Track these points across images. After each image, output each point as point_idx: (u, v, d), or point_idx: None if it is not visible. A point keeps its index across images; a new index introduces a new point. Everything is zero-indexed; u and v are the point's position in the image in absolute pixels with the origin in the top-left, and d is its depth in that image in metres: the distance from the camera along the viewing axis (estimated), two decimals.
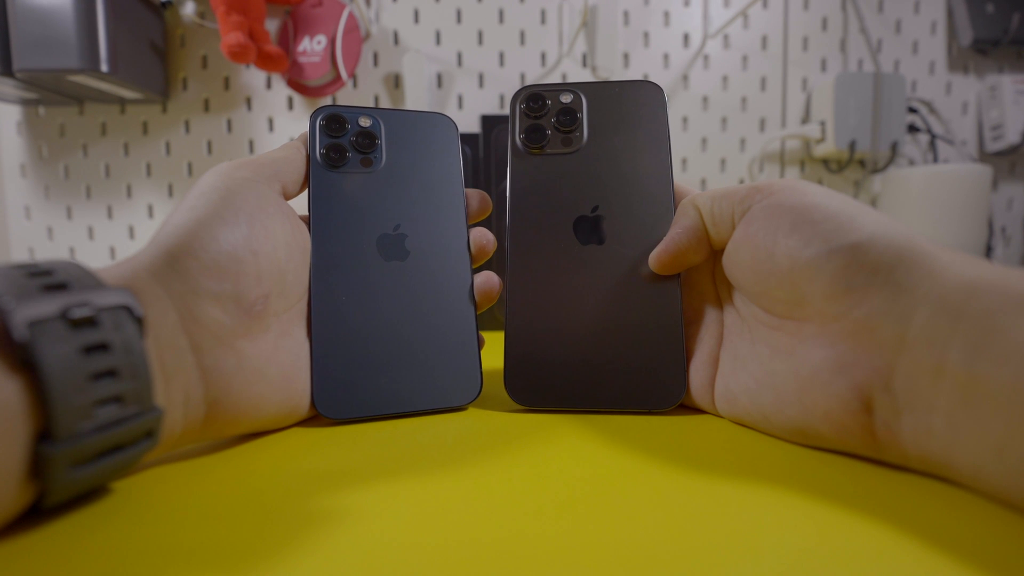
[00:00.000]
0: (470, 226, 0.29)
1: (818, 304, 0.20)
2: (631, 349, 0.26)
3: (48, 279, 0.15)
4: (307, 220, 0.26)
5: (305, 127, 0.74)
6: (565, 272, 0.26)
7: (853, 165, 0.76)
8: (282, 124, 0.75)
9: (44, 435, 0.14)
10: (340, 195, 0.26)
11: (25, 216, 0.74)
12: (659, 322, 0.26)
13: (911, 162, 0.77)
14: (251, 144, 0.74)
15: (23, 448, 0.14)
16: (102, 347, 0.15)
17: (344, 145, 0.27)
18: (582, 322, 0.26)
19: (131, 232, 0.74)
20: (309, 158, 0.27)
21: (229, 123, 0.74)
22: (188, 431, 0.20)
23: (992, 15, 0.73)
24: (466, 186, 0.30)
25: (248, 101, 0.74)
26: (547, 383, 0.26)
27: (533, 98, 0.28)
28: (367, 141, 0.27)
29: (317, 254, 0.25)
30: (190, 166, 0.74)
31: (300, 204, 0.26)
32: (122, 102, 0.72)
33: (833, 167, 0.76)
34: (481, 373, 0.27)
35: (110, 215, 0.74)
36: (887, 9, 0.77)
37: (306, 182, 0.26)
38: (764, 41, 0.76)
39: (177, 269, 0.19)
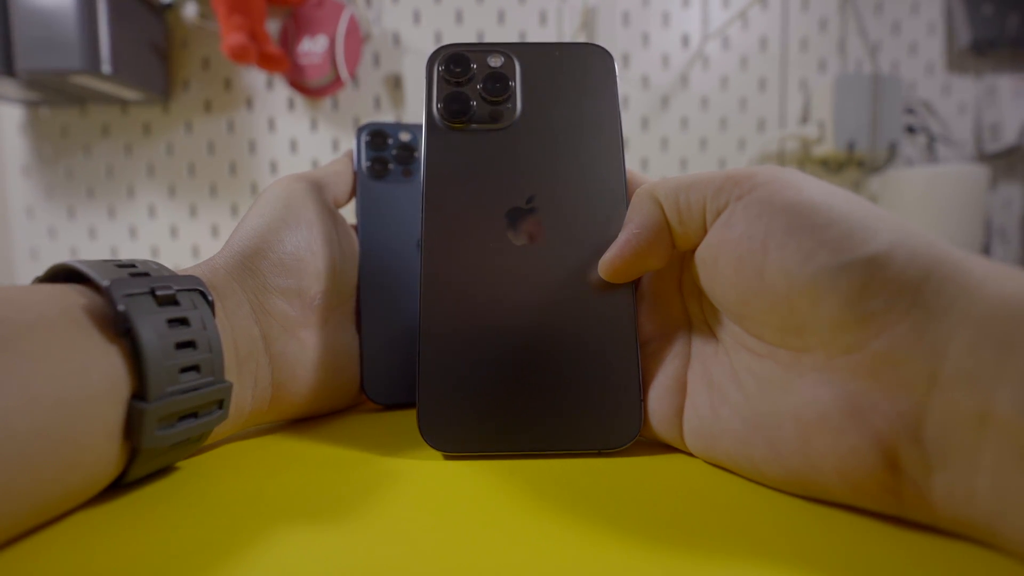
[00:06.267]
0: None
1: (823, 334, 0.16)
2: (574, 375, 0.21)
3: (133, 269, 0.18)
4: (356, 226, 0.29)
5: (305, 128, 0.75)
6: (493, 279, 0.22)
7: (852, 165, 0.77)
8: (283, 124, 0.75)
9: (136, 396, 0.16)
10: (383, 202, 0.29)
11: (27, 216, 0.74)
12: (609, 341, 0.21)
13: (909, 162, 0.78)
14: (252, 144, 0.75)
15: (121, 410, 0.16)
16: (183, 321, 0.17)
17: (386, 157, 0.30)
18: (514, 343, 0.21)
19: (132, 232, 0.75)
20: (356, 171, 0.30)
21: (230, 123, 0.75)
22: (256, 412, 0.22)
23: (990, 16, 0.73)
24: None
25: (249, 102, 0.74)
26: (471, 423, 0.21)
27: (455, 59, 0.23)
28: (407, 153, 0.30)
29: (364, 256, 0.28)
30: (191, 166, 0.74)
31: (349, 212, 0.30)
32: (123, 103, 0.73)
33: (832, 167, 0.77)
34: None
35: (111, 215, 0.74)
36: (886, 10, 0.77)
37: (354, 192, 0.29)
38: (763, 42, 0.77)
39: (249, 268, 0.22)
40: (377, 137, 0.30)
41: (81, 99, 0.71)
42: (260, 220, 0.24)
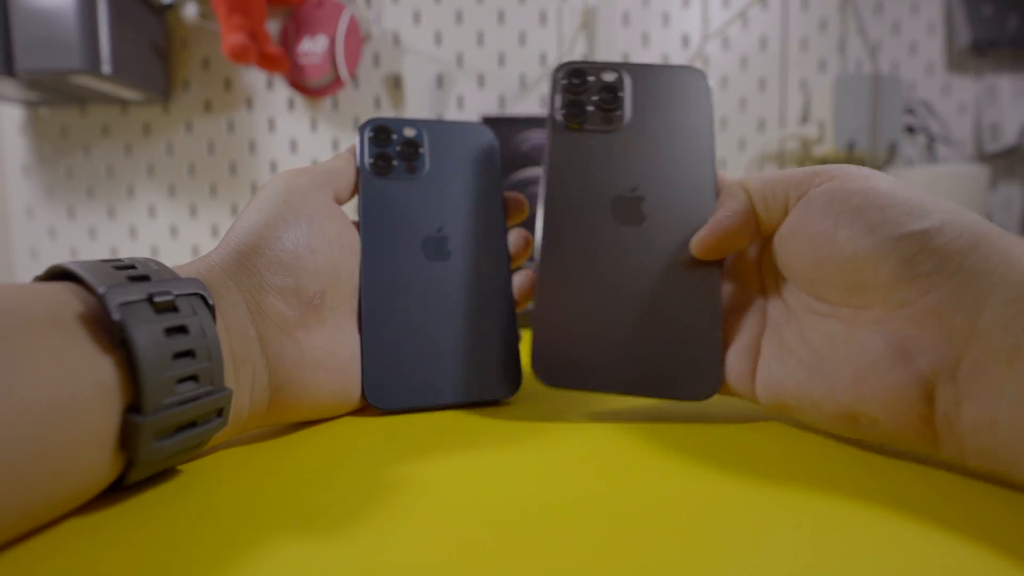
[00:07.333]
0: (508, 228, 0.30)
1: (881, 291, 0.19)
2: (665, 335, 0.25)
3: (132, 271, 0.17)
4: (357, 224, 0.28)
5: (305, 128, 0.75)
6: (600, 253, 0.26)
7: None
8: (283, 124, 0.75)
9: (132, 408, 0.15)
10: (387, 201, 0.28)
11: (27, 216, 0.74)
12: (696, 309, 0.25)
13: (909, 163, 0.78)
14: (252, 144, 0.75)
15: (116, 420, 0.15)
16: (181, 329, 0.17)
17: (390, 154, 0.29)
18: (615, 305, 0.25)
19: (132, 232, 0.75)
20: (358, 167, 0.29)
21: (230, 123, 0.75)
22: (254, 415, 0.21)
23: (990, 17, 0.73)
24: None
25: (249, 102, 0.74)
26: (576, 365, 0.25)
27: (575, 73, 0.28)
28: (411, 150, 0.29)
29: (367, 255, 0.27)
30: (191, 166, 0.74)
31: (350, 210, 0.29)
32: (123, 103, 0.73)
33: None
34: (520, 368, 0.28)
35: (112, 215, 0.74)
36: (885, 10, 0.77)
37: (356, 189, 0.28)
38: (763, 42, 0.77)
39: (246, 265, 0.21)
40: (380, 133, 0.29)
41: (81, 99, 0.71)
42: (258, 216, 0.23)
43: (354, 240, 0.27)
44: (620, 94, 0.27)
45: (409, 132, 0.29)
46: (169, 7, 0.70)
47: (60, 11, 0.57)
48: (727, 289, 0.26)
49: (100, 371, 0.15)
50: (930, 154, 0.77)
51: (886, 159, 0.74)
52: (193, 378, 0.17)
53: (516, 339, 0.28)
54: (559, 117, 0.27)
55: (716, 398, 0.25)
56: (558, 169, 0.27)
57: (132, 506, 0.16)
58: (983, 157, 0.78)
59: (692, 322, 0.25)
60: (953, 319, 0.17)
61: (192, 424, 0.17)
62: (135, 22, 0.64)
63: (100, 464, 0.15)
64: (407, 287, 0.27)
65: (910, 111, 0.76)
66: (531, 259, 0.28)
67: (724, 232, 0.24)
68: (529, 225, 0.29)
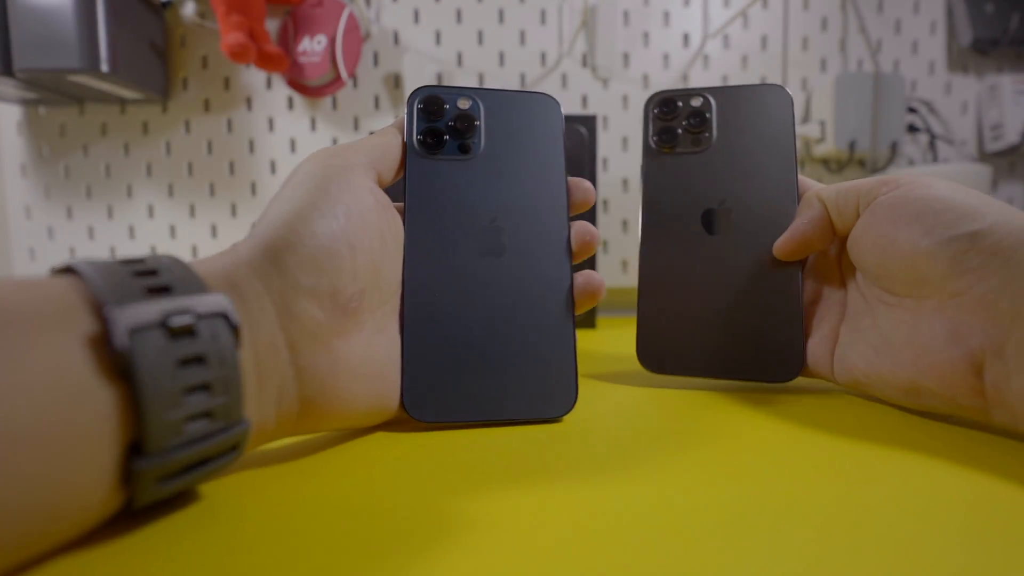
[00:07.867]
0: (572, 219, 0.27)
1: (938, 283, 0.22)
2: (754, 327, 0.28)
3: (153, 280, 0.15)
4: (402, 210, 0.25)
5: (305, 127, 0.75)
6: (694, 259, 0.29)
7: (853, 165, 0.76)
8: (282, 124, 0.75)
9: (135, 447, 0.14)
10: (436, 184, 0.25)
11: (25, 216, 0.74)
12: (780, 304, 0.28)
13: (911, 162, 0.77)
14: (251, 144, 0.74)
15: (115, 457, 0.14)
16: (198, 359, 0.15)
17: (442, 129, 0.26)
18: (710, 303, 0.29)
19: (131, 232, 0.74)
20: (405, 143, 0.25)
21: (229, 123, 0.74)
22: (281, 426, 0.19)
23: (992, 15, 0.73)
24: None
25: (248, 101, 0.74)
26: (678, 354, 0.29)
27: (664, 103, 0.31)
28: (466, 125, 0.26)
29: (411, 248, 0.24)
30: (190, 166, 0.74)
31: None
32: (122, 102, 0.72)
33: (833, 167, 0.76)
34: (577, 383, 0.25)
35: (110, 215, 0.74)
36: (887, 9, 0.77)
37: (402, 169, 0.25)
38: (764, 41, 0.76)
39: (276, 264, 0.19)
40: (432, 104, 0.25)
41: (79, 98, 0.71)
42: (288, 205, 0.20)
43: (398, 230, 0.24)
44: (707, 116, 0.30)
45: (463, 104, 0.26)
46: (168, 5, 0.70)
47: (58, 10, 0.57)
48: (811, 284, 0.29)
49: (101, 399, 0.13)
50: (932, 153, 0.76)
51: (888, 159, 0.73)
52: (206, 415, 0.15)
53: (574, 349, 0.25)
54: (652, 144, 0.31)
55: (797, 381, 0.28)
56: (654, 189, 0.31)
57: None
58: (985, 156, 0.78)
59: (777, 315, 0.28)
60: (1000, 305, 0.20)
61: (203, 461, 0.15)
62: (133, 21, 0.64)
63: (99, 496, 0.14)
64: (455, 286, 0.24)
65: (912, 110, 0.76)
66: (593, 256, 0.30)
67: (801, 237, 0.28)
68: (591, 217, 0.30)
